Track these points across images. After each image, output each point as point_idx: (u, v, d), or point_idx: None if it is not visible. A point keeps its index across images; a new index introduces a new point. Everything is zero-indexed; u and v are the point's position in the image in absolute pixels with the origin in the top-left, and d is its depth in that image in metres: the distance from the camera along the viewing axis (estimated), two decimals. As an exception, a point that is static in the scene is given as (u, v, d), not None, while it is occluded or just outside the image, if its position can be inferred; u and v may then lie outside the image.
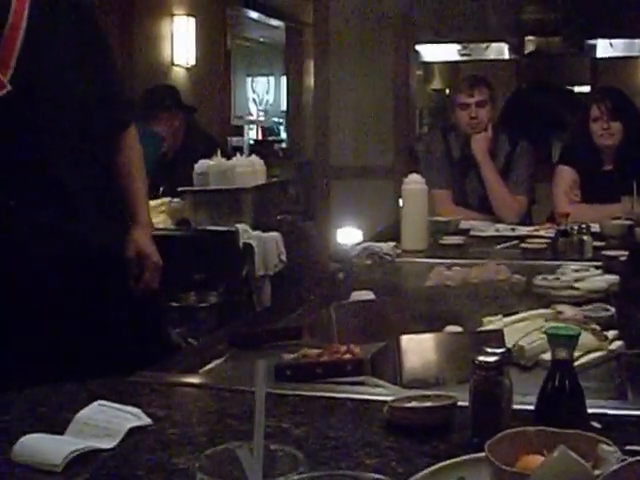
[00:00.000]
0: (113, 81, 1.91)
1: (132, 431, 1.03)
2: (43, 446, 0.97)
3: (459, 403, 1.06)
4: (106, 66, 1.87)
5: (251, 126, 9.04)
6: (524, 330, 1.48)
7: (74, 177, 1.71)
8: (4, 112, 1.65)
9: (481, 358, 1.01)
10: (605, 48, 5.56)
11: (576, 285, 1.94)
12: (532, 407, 1.02)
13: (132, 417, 1.06)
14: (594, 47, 5.62)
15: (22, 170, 1.67)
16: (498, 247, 2.72)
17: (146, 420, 1.07)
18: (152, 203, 2.15)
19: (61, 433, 1.02)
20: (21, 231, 1.66)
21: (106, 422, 1.03)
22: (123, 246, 1.84)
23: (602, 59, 5.87)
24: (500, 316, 1.62)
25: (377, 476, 0.58)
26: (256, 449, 0.60)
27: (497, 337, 1.30)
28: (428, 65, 7.37)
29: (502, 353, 1.03)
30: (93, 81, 1.78)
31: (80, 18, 1.79)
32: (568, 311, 1.65)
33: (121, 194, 1.88)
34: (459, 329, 1.50)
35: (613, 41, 5.39)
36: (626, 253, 2.37)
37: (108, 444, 1.00)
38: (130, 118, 1.96)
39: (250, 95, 8.99)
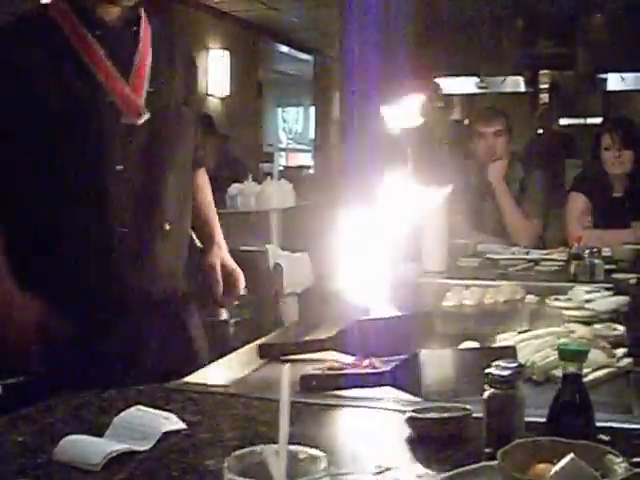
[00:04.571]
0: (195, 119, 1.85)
1: (167, 435, 1.04)
2: (83, 447, 0.98)
3: (474, 414, 1.06)
4: (196, 102, 1.86)
5: (281, 153, 9.10)
6: (537, 347, 1.48)
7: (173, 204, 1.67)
8: (134, 140, 1.57)
9: (495, 372, 1.01)
10: (616, 81, 5.54)
11: (587, 305, 1.93)
12: (543, 419, 1.01)
13: (167, 421, 1.07)
14: (605, 81, 5.61)
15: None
16: (513, 269, 2.71)
17: (180, 425, 1.08)
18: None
19: (100, 435, 1.04)
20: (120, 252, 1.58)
21: (142, 426, 1.04)
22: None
23: (613, 92, 5.85)
24: (514, 333, 1.61)
25: None
26: (281, 451, 0.61)
27: (510, 352, 1.30)
28: (448, 97, 7.38)
29: (515, 367, 1.03)
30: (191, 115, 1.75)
31: (182, 54, 1.77)
32: (579, 330, 1.65)
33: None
34: (475, 345, 1.50)
35: (624, 75, 5.38)
36: (635, 276, 2.35)
37: (144, 446, 1.01)
38: (203, 159, 1.93)
39: (280, 124, 9.07)
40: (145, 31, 1.65)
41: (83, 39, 1.56)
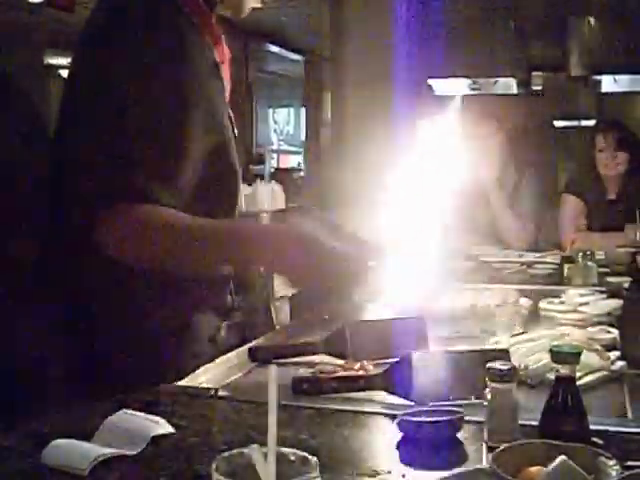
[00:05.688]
0: None
1: (155, 439, 1.04)
2: (71, 451, 0.98)
3: (466, 417, 1.07)
4: None
5: (272, 155, 9.08)
6: (530, 350, 1.49)
7: None
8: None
9: (495, 366, 1.03)
10: (610, 83, 5.55)
11: (581, 308, 1.94)
12: (537, 422, 1.02)
13: (156, 425, 1.07)
14: (599, 82, 5.62)
15: None
16: (506, 272, 2.72)
17: (169, 429, 1.08)
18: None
19: (88, 439, 1.03)
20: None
21: (131, 430, 1.04)
22: None
23: (607, 94, 5.87)
24: (507, 336, 1.62)
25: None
26: (270, 452, 0.61)
27: (504, 355, 1.30)
28: (440, 99, 7.39)
29: (507, 369, 1.04)
30: None
31: None
32: (573, 333, 1.65)
33: None
34: (468, 348, 1.50)
35: (617, 77, 5.40)
36: (629, 279, 2.36)
37: (132, 450, 1.01)
38: None
39: (271, 125, 9.05)
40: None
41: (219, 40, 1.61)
